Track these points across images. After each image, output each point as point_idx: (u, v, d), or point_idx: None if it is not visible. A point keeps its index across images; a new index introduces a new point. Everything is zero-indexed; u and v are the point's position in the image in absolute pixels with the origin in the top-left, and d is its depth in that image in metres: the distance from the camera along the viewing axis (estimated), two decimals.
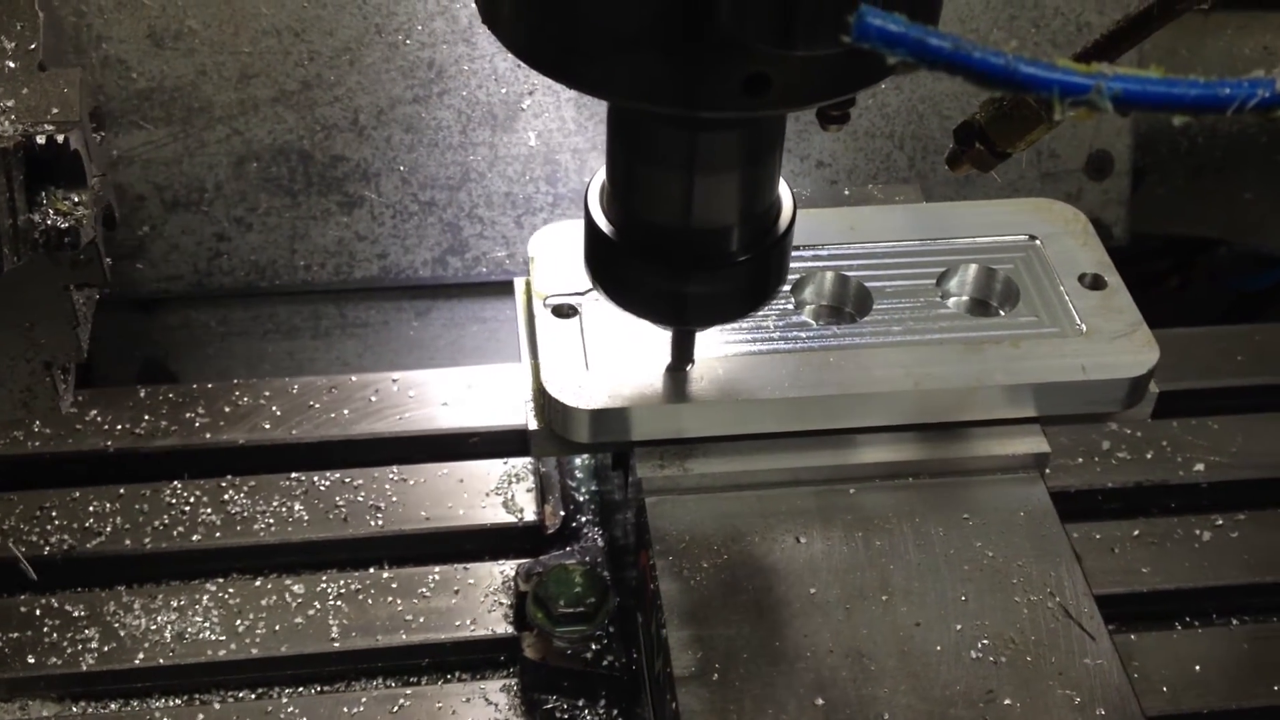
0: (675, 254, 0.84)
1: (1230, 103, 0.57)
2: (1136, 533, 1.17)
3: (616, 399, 0.92)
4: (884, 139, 1.41)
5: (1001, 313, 1.00)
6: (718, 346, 0.96)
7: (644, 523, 0.93)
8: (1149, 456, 1.22)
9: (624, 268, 0.87)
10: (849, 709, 0.82)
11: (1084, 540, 1.16)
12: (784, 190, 0.87)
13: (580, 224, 1.03)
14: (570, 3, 0.69)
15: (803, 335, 0.97)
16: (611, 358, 0.94)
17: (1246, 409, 1.27)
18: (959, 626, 0.87)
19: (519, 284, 1.02)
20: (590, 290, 0.98)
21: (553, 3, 0.70)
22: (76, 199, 0.81)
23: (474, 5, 0.76)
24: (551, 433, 0.94)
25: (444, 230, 1.38)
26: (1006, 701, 0.83)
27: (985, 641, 0.86)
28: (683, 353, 0.94)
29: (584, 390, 0.92)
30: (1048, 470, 1.19)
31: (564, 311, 0.97)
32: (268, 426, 1.20)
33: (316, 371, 1.38)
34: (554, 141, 1.37)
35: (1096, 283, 1.00)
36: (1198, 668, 1.08)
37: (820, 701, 0.83)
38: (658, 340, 0.96)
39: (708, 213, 0.82)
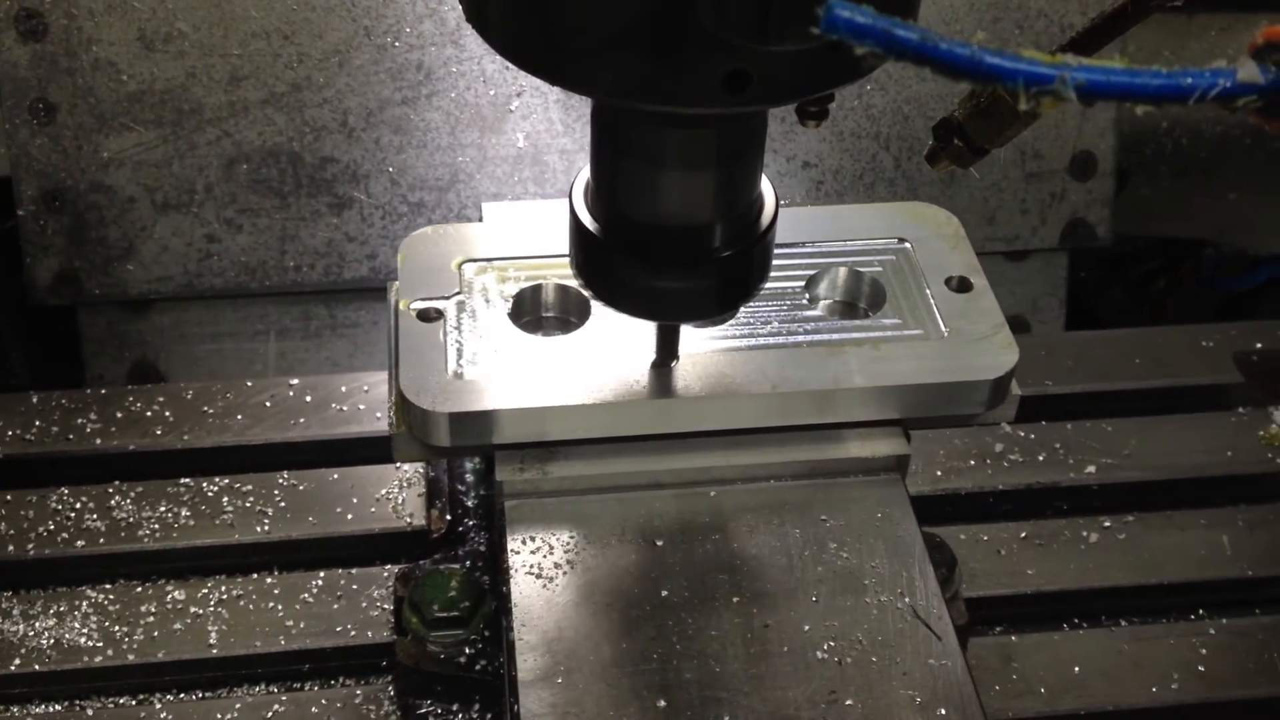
0: (655, 249, 0.85)
1: (1192, 92, 0.58)
2: (1024, 534, 1.17)
3: (476, 402, 0.92)
4: (869, 140, 1.43)
5: (869, 315, 1.00)
6: None
7: (503, 526, 0.93)
8: (1041, 459, 1.23)
9: (606, 263, 0.88)
10: (690, 710, 0.82)
11: (971, 542, 1.16)
12: (767, 188, 0.88)
13: (453, 228, 1.05)
14: (553, 1, 0.70)
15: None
16: (475, 362, 0.94)
17: (1142, 411, 1.28)
18: (807, 628, 0.87)
19: (392, 288, 1.02)
20: (457, 294, 0.99)
21: (536, 1, 0.71)
22: None
23: (460, 7, 0.77)
24: (413, 437, 0.94)
25: None
26: (849, 702, 0.83)
27: (832, 642, 0.86)
28: (667, 348, 0.94)
29: (443, 394, 0.92)
30: (938, 473, 1.22)
31: (428, 315, 0.97)
32: (159, 432, 1.20)
33: (308, 372, 1.40)
34: (542, 143, 1.39)
35: (963, 285, 1.00)
36: (1077, 669, 1.08)
37: (662, 703, 0.83)
38: (522, 344, 0.96)
39: (687, 208, 0.83)
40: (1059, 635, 1.12)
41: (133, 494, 1.16)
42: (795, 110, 0.83)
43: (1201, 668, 1.08)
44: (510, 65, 0.76)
